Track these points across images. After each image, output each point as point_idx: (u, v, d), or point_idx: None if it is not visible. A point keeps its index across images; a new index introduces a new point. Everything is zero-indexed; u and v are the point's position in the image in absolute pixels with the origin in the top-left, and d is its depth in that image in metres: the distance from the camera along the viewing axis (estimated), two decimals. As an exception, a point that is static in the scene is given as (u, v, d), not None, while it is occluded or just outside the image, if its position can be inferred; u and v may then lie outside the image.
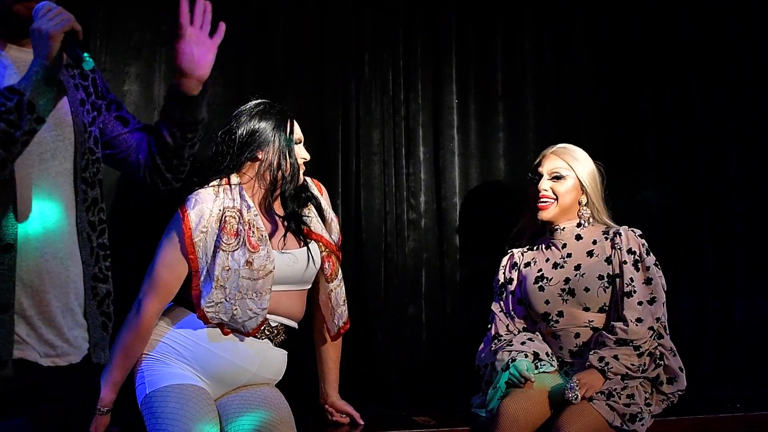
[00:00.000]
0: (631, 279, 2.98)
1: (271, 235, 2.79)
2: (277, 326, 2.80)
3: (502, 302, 3.23)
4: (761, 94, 4.19)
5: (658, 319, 2.95)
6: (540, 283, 3.10)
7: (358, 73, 3.79)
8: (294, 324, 2.88)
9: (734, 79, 4.19)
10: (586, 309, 3.03)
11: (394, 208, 3.77)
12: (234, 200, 2.74)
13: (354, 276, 3.72)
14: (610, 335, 2.92)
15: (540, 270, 3.13)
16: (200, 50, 2.24)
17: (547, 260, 3.14)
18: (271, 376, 2.84)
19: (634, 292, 2.97)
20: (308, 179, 3.03)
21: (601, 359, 2.86)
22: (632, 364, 2.87)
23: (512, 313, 3.19)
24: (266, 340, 2.78)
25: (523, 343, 3.04)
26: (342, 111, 3.76)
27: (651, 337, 2.92)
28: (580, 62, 4.10)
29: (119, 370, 2.65)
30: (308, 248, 2.85)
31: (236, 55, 3.63)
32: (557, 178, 3.14)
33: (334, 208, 3.67)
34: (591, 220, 3.15)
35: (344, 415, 3.08)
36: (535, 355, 3.00)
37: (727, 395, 3.74)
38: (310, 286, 2.94)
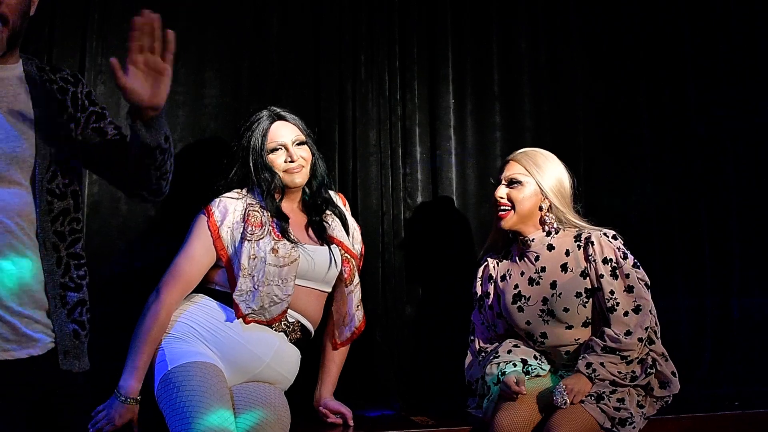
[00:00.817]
0: (612, 292, 2.89)
1: (296, 232, 2.92)
2: (294, 322, 2.87)
3: (481, 314, 3.19)
4: (758, 91, 4.20)
5: (647, 328, 2.87)
6: (518, 303, 3.02)
7: (354, 73, 3.79)
8: (310, 326, 2.95)
9: (730, 75, 4.20)
10: (569, 327, 2.97)
11: (391, 208, 3.77)
12: (257, 200, 2.91)
13: (352, 277, 3.73)
14: (599, 341, 2.86)
15: (516, 286, 3.05)
16: (150, 82, 2.03)
17: (522, 274, 3.05)
18: (283, 372, 2.87)
19: (618, 304, 2.88)
20: (332, 192, 3.14)
21: (588, 365, 2.83)
22: (619, 372, 2.83)
23: (493, 327, 3.16)
24: (282, 333, 2.84)
25: (509, 352, 3.00)
26: (338, 111, 3.76)
27: (641, 346, 2.86)
28: (576, 61, 4.10)
29: (140, 356, 2.69)
30: (330, 249, 2.95)
31: (231, 56, 3.63)
32: (514, 183, 3.03)
33: (331, 210, 3.70)
34: (557, 225, 3.03)
35: (338, 416, 3.09)
36: (524, 361, 2.96)
37: (725, 393, 3.75)
38: (330, 290, 3.03)
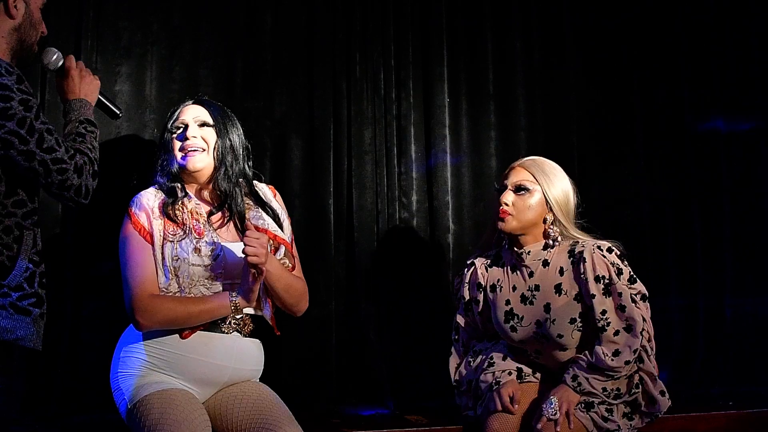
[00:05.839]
0: (603, 312, 2.76)
1: (215, 227, 2.77)
2: (242, 317, 2.73)
3: (467, 317, 3.08)
4: (751, 91, 4.22)
5: (635, 350, 2.74)
6: (511, 323, 2.90)
7: (349, 72, 3.79)
8: (260, 312, 2.81)
9: (724, 75, 4.22)
10: (564, 349, 2.86)
11: (386, 207, 3.77)
12: (176, 194, 2.75)
13: (346, 275, 3.72)
14: (586, 358, 2.78)
15: (508, 302, 2.92)
16: None
17: (514, 289, 2.93)
18: (251, 368, 2.79)
19: (609, 324, 2.75)
20: (261, 184, 2.96)
21: (574, 378, 2.76)
22: (604, 389, 2.75)
23: (482, 329, 3.07)
24: (235, 333, 2.72)
25: (505, 358, 2.95)
26: (333, 110, 3.76)
27: (628, 368, 2.75)
28: (570, 61, 4.11)
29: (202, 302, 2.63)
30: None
31: (225, 54, 3.63)
32: (521, 190, 2.88)
33: (326, 208, 3.70)
34: (560, 239, 2.89)
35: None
36: (519, 370, 2.92)
37: (717, 393, 3.77)
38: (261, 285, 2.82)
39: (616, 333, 2.75)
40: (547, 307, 2.84)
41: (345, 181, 3.73)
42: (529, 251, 2.90)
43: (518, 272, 2.94)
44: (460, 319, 3.09)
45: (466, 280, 3.06)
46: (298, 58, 3.74)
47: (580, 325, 2.82)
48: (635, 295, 2.79)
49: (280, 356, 3.50)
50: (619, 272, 2.79)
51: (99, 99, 2.59)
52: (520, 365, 2.94)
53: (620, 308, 2.76)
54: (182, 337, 2.63)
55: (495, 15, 4.04)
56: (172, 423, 2.46)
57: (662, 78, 4.19)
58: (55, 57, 2.51)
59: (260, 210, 2.86)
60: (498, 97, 3.99)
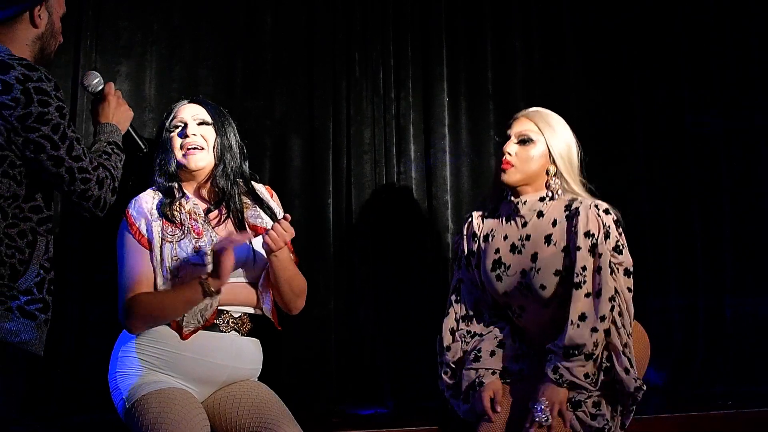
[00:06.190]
0: (584, 268, 2.67)
1: (213, 224, 2.77)
2: (240, 316, 2.73)
3: (469, 272, 2.97)
4: (751, 90, 4.22)
5: (603, 317, 2.63)
6: (498, 271, 2.84)
7: (348, 71, 3.79)
8: (258, 311, 2.81)
9: (724, 75, 4.22)
10: (546, 305, 2.78)
11: (385, 207, 3.77)
12: (174, 194, 2.75)
13: (346, 275, 3.73)
14: (556, 345, 2.68)
15: (498, 251, 2.86)
16: None
17: (506, 238, 2.85)
18: (250, 367, 2.79)
19: (584, 282, 2.66)
20: (258, 184, 2.95)
21: (555, 370, 2.66)
22: (586, 375, 2.65)
23: (481, 287, 2.94)
24: (233, 332, 2.72)
25: (492, 354, 2.83)
26: (332, 110, 3.76)
27: (595, 337, 2.64)
28: (569, 60, 4.11)
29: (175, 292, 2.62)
30: (250, 241, 2.76)
31: (225, 53, 3.64)
32: (525, 141, 2.81)
33: (325, 208, 3.70)
34: (560, 192, 2.81)
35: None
36: (504, 369, 2.81)
37: (717, 393, 3.77)
38: (260, 274, 2.82)
39: (587, 295, 2.67)
40: (534, 257, 2.78)
41: (344, 181, 3.74)
42: (526, 201, 2.83)
43: (512, 222, 2.87)
44: (462, 275, 2.99)
45: (464, 233, 2.99)
46: (298, 58, 3.75)
47: (564, 278, 2.73)
48: (617, 264, 2.72)
49: (281, 356, 3.51)
50: (607, 235, 2.71)
51: (128, 130, 2.65)
52: (505, 364, 2.83)
53: (597, 270, 2.69)
54: (183, 338, 2.63)
55: (495, 15, 4.04)
56: (170, 422, 2.45)
57: (662, 78, 4.19)
58: (96, 80, 2.61)
59: (258, 209, 2.86)
60: (497, 96, 3.99)
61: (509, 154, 2.80)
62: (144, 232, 2.68)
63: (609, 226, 2.73)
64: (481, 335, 2.90)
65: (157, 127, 2.89)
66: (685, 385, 3.87)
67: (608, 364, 2.68)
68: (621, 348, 2.67)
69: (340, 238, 3.72)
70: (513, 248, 2.83)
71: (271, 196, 2.95)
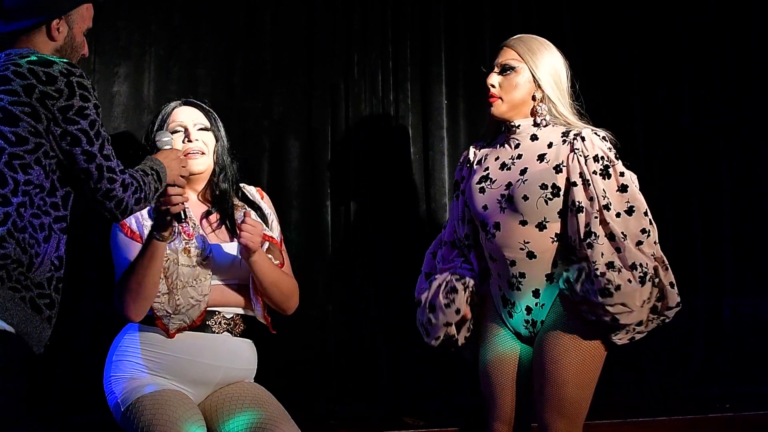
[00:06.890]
0: (605, 190, 2.59)
1: (205, 228, 2.78)
2: (233, 317, 2.74)
3: (456, 201, 2.94)
4: (751, 89, 4.21)
5: (643, 230, 2.58)
6: (482, 184, 2.77)
7: (347, 73, 3.79)
8: (249, 312, 2.80)
9: (724, 74, 4.22)
10: (523, 223, 2.67)
11: (384, 208, 3.77)
12: None
13: (345, 276, 3.74)
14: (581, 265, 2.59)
15: (487, 168, 2.80)
16: None
17: (497, 159, 2.80)
18: (244, 367, 2.79)
19: (610, 204, 2.57)
20: (248, 186, 2.96)
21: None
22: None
23: (462, 216, 2.90)
24: (225, 333, 2.73)
25: (457, 312, 2.74)
26: (331, 112, 3.76)
27: (643, 254, 2.58)
28: (570, 60, 4.08)
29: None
30: (238, 240, 2.71)
31: (224, 54, 3.64)
32: (506, 70, 2.75)
33: (323, 208, 3.70)
34: (548, 118, 2.75)
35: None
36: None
37: (716, 394, 3.77)
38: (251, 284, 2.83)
39: (618, 215, 2.59)
40: (524, 171, 2.70)
41: (343, 182, 3.73)
42: (519, 124, 2.77)
43: (506, 145, 2.81)
44: (454, 206, 2.96)
45: (461, 161, 2.97)
46: (297, 58, 3.74)
47: (549, 196, 2.64)
48: (634, 184, 2.67)
49: (279, 356, 3.51)
50: (617, 157, 2.67)
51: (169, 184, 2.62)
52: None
53: (621, 188, 2.62)
54: (169, 336, 2.64)
55: (495, 15, 4.04)
56: (165, 422, 2.46)
57: (662, 78, 4.19)
58: (166, 139, 2.64)
59: (251, 211, 2.87)
60: (497, 98, 3.98)
61: (492, 86, 2.77)
62: (135, 229, 2.70)
63: (614, 151, 2.68)
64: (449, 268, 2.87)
65: (148, 127, 2.86)
66: (684, 386, 3.87)
67: (657, 278, 2.62)
68: (664, 260, 2.65)
69: (339, 238, 3.73)
70: (503, 166, 2.77)
71: (262, 198, 2.96)
